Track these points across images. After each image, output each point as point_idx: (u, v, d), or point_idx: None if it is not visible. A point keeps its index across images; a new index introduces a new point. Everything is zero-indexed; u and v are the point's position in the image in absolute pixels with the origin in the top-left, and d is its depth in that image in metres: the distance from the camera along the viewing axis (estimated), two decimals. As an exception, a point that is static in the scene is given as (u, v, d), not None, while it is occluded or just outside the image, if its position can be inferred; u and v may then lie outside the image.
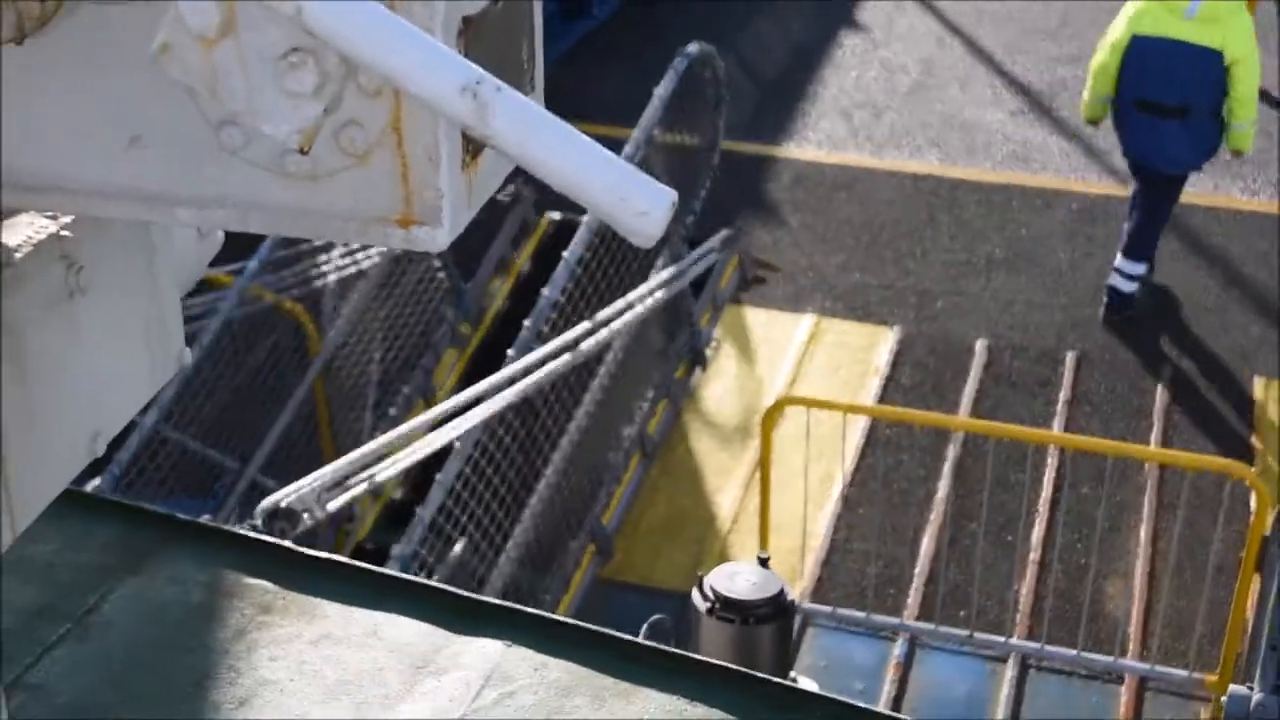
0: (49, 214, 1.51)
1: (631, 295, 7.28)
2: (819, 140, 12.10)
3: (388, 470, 5.46)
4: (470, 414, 5.74)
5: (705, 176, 8.65)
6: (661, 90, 7.72)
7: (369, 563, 5.72)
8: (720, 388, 9.06)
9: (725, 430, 8.72)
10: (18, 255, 1.46)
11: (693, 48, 8.02)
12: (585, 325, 6.90)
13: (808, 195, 11.25)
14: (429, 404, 7.60)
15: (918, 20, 14.44)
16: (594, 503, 7.64)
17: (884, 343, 9.45)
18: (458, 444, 6.22)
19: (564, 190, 1.05)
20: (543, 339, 6.91)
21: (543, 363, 6.43)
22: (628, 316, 6.98)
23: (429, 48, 1.06)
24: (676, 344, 8.27)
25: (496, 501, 6.69)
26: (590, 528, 7.54)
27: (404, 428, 5.72)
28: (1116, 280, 9.72)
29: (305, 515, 5.03)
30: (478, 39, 1.28)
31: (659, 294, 7.29)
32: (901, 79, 13.18)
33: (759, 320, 9.68)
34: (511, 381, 6.12)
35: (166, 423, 7.19)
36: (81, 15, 1.29)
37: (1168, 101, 9.15)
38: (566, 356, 6.54)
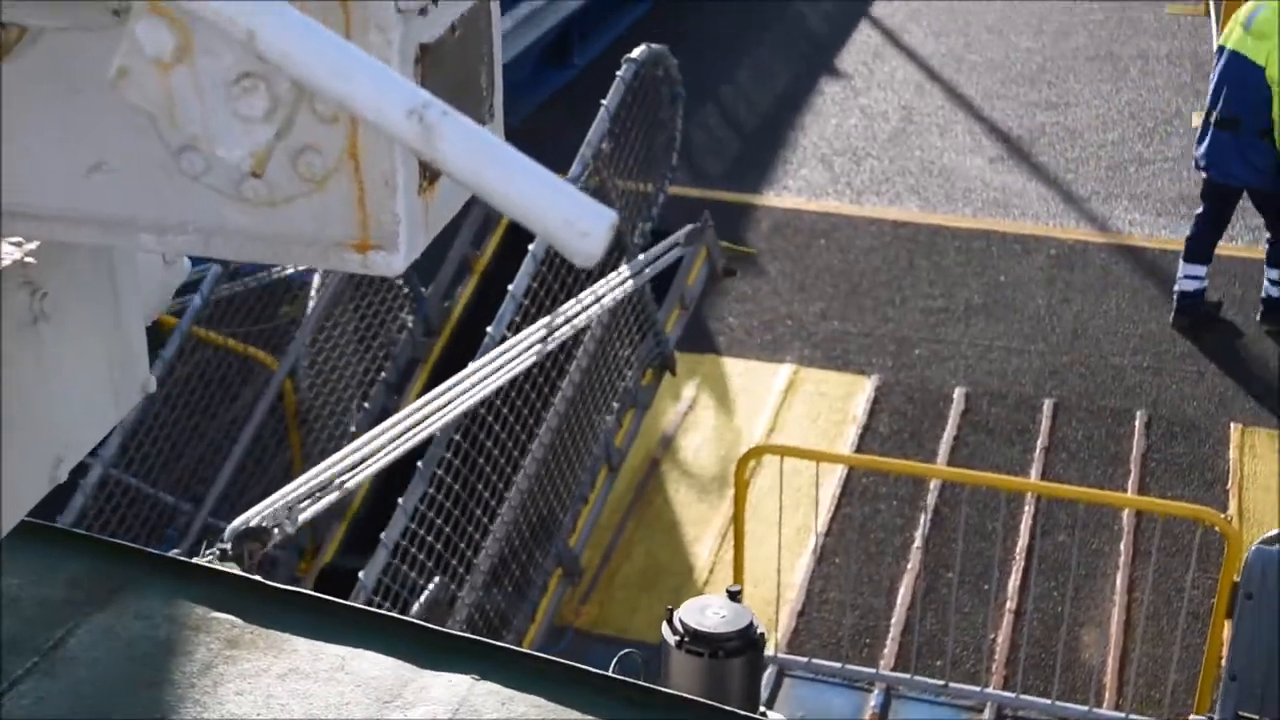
0: (12, 240, 1.50)
1: (596, 287, 6.92)
2: (799, 188, 12.16)
3: (357, 476, 5.35)
4: (433, 419, 5.61)
5: (665, 176, 8.44)
6: (609, 102, 7.47)
7: (336, 585, 5.71)
8: (698, 438, 9.04)
9: (702, 481, 8.68)
10: None
11: (639, 52, 7.67)
12: (545, 321, 6.57)
13: (787, 243, 11.28)
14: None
15: (898, 67, 14.56)
16: (559, 524, 7.42)
17: (862, 391, 9.44)
18: (419, 465, 6.14)
19: (507, 213, 1.07)
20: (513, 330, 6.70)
21: (504, 366, 6.20)
22: (593, 310, 6.77)
23: (376, 71, 1.06)
24: (641, 350, 8.00)
25: (462, 524, 6.53)
26: (557, 550, 7.37)
27: (367, 436, 5.59)
28: (1180, 282, 10.20)
29: (276, 530, 4.97)
30: (435, 66, 1.28)
31: (625, 286, 7.03)
32: (881, 126, 13.26)
33: (737, 370, 9.68)
34: (474, 386, 5.96)
35: (115, 467, 7.05)
36: (44, 43, 1.30)
37: (1220, 113, 9.51)
38: (530, 358, 6.34)
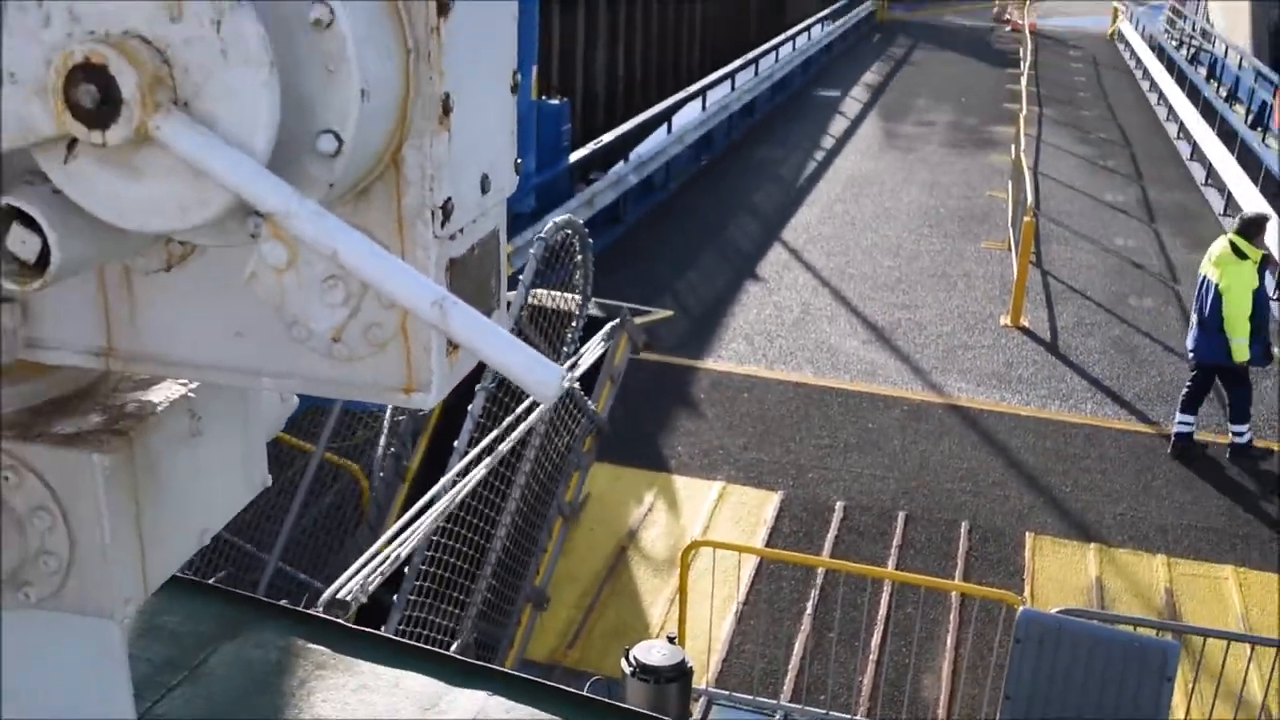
0: (180, 380, 1.51)
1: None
2: (729, 356, 12.18)
3: (396, 553, 5.31)
4: (423, 518, 5.55)
5: (587, 297, 7.71)
6: (534, 252, 6.88)
7: (374, 614, 5.60)
8: (654, 533, 9.00)
9: (657, 563, 8.63)
10: (160, 408, 1.48)
11: (549, 229, 7.02)
12: (497, 435, 6.27)
13: (720, 395, 11.28)
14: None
15: (799, 275, 14.71)
16: (528, 568, 7.19)
17: (771, 503, 9.41)
18: (416, 540, 5.85)
19: (496, 369, 1.07)
20: (473, 443, 6.35)
21: (468, 470, 6.07)
22: (536, 412, 6.38)
23: (415, 278, 1.07)
24: (580, 427, 7.63)
25: (456, 575, 6.32)
26: (526, 589, 7.18)
27: (399, 524, 5.55)
28: (1178, 428, 10.38)
29: (351, 600, 4.98)
30: (460, 274, 1.29)
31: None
32: (787, 315, 13.33)
33: (682, 484, 9.64)
34: (448, 489, 5.90)
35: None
36: (205, 254, 1.32)
37: (1200, 314, 9.99)
38: (486, 461, 6.09)
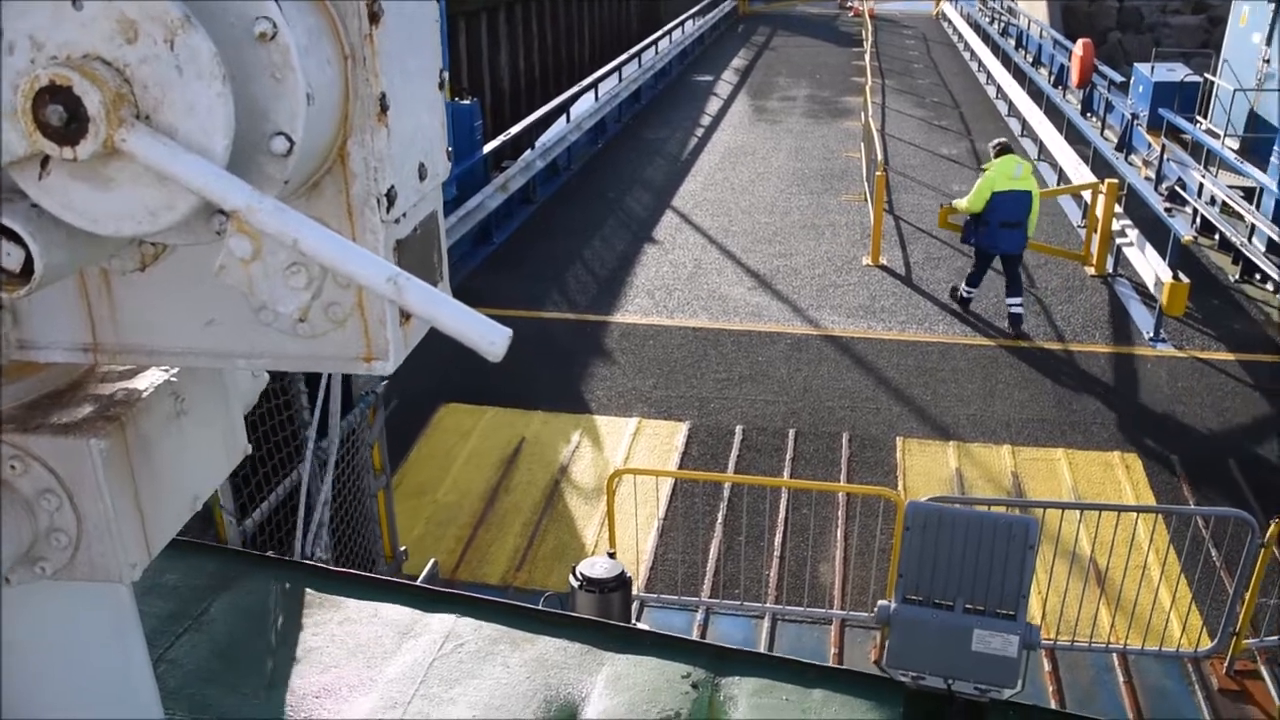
0: (163, 367, 1.48)
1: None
2: (635, 310, 12.11)
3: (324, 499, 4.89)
4: None
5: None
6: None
7: None
8: (582, 466, 8.93)
9: (587, 492, 8.57)
10: (146, 393, 1.45)
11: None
12: None
13: (629, 344, 11.22)
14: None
15: (690, 235, 14.65)
16: (372, 543, 6.43)
17: (680, 432, 9.40)
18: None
19: (449, 334, 1.06)
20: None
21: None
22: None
23: (370, 259, 1.05)
24: (356, 413, 6.02)
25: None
26: (394, 565, 6.53)
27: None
28: (1014, 310, 11.30)
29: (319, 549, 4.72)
30: (406, 253, 1.28)
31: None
32: (682, 270, 13.29)
33: (602, 423, 9.60)
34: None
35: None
36: (176, 252, 1.29)
37: (1008, 219, 10.97)
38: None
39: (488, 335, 1.04)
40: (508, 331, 1.05)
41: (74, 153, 1.03)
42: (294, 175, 1.12)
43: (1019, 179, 10.92)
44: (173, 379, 1.49)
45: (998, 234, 11.05)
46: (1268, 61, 15.28)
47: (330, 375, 4.96)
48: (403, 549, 6.96)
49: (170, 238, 1.16)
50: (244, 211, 1.03)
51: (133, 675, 1.65)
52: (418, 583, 4.66)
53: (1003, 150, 11.21)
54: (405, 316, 1.29)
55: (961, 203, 11.34)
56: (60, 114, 1.01)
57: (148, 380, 1.47)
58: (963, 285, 11.94)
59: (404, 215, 1.26)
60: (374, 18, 1.14)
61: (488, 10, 24.28)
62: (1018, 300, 11.34)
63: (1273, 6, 15.06)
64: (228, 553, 3.37)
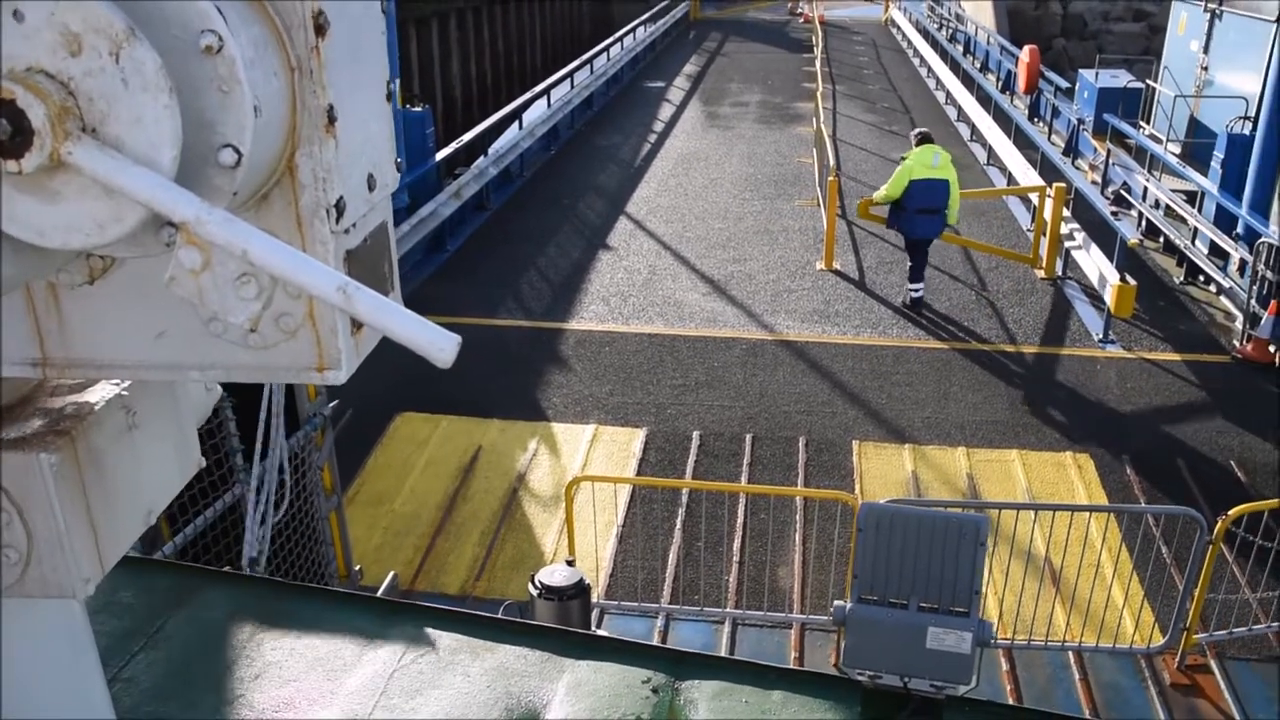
0: (114, 380, 1.46)
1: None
2: (590, 316, 12.08)
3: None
4: None
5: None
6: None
7: None
8: (540, 474, 8.89)
9: (545, 500, 8.54)
10: (98, 407, 1.43)
11: None
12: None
13: (585, 351, 11.19)
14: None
15: (645, 242, 14.66)
16: (325, 563, 6.31)
17: (637, 438, 9.39)
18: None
19: (399, 341, 1.06)
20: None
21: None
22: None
23: (317, 268, 1.05)
24: (302, 434, 5.95)
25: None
26: (348, 583, 6.41)
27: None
28: (917, 294, 12.02)
29: (263, 559, 4.66)
30: (356, 262, 1.28)
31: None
32: (637, 277, 13.28)
33: (559, 430, 9.56)
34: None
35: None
36: (124, 265, 1.28)
37: (927, 206, 11.51)
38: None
39: (437, 342, 1.05)
40: (456, 338, 1.06)
41: (19, 165, 1.02)
42: (242, 187, 1.12)
43: (937, 168, 11.49)
44: (124, 392, 1.48)
45: (915, 220, 11.67)
46: (1205, 69, 15.66)
47: (271, 397, 4.92)
48: (357, 567, 6.89)
49: (119, 250, 1.15)
50: (193, 223, 1.03)
51: (87, 694, 1.63)
52: (378, 595, 4.62)
53: (923, 140, 11.65)
54: (357, 326, 1.29)
55: (880, 192, 11.88)
56: (4, 127, 1.01)
57: (98, 394, 1.46)
58: (906, 285, 12.29)
59: (354, 226, 1.27)
60: (320, 30, 1.14)
61: (439, 16, 24.21)
62: (919, 285, 12.02)
63: (1208, 17, 15.44)
64: (183, 568, 3.31)
